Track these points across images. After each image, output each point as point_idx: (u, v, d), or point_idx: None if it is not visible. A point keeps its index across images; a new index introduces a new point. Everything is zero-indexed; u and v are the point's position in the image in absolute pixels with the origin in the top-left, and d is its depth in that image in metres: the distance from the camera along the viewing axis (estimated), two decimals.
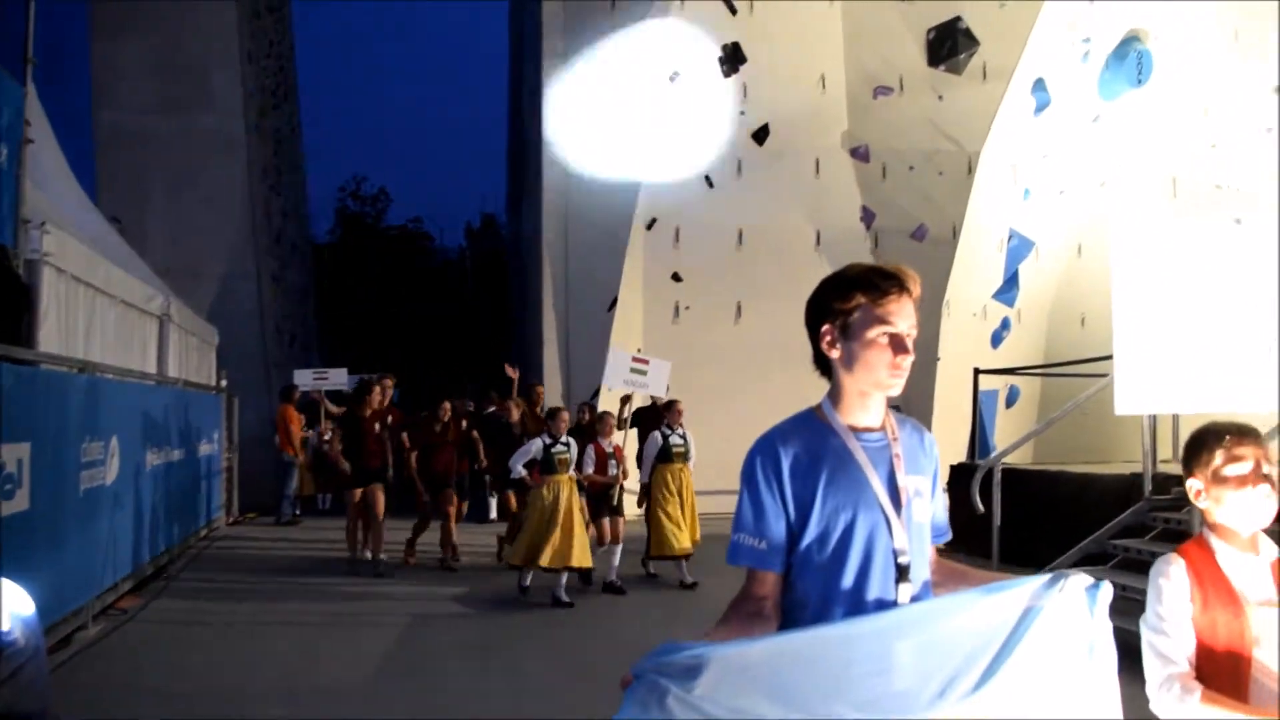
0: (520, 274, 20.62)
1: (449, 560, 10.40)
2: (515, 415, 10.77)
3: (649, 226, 14.69)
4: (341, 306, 31.15)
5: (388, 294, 33.68)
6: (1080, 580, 2.03)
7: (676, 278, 14.79)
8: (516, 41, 22.70)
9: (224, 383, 14.20)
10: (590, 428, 9.98)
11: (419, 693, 6.04)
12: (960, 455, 12.22)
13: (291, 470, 14.46)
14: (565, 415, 9.23)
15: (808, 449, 2.12)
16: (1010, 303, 15.12)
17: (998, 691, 1.93)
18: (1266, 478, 2.30)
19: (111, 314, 8.89)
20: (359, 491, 10.08)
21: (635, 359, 10.42)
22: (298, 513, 14.63)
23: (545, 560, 8.43)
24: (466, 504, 11.79)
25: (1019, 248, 14.94)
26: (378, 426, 10.21)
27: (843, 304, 2.13)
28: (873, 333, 2.11)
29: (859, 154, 14.78)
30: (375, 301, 33.05)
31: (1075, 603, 2.02)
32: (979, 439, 12.48)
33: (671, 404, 10.04)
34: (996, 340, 14.98)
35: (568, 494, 8.70)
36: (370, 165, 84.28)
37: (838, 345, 2.15)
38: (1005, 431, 14.36)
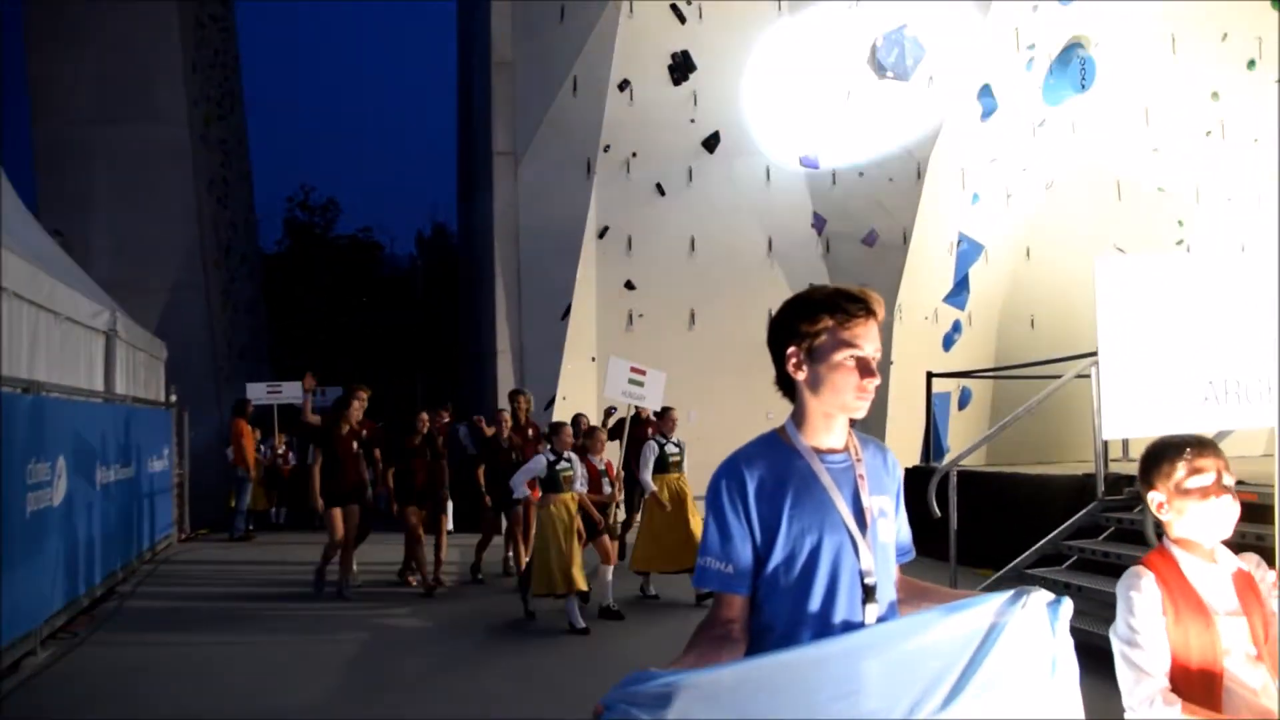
0: (472, 283, 20.53)
1: (407, 577, 10.09)
2: (506, 429, 10.28)
3: (601, 235, 14.69)
4: (292, 318, 30.80)
5: (338, 304, 33.37)
6: (1042, 597, 2.06)
7: (629, 286, 14.80)
8: (465, 50, 22.60)
9: (173, 398, 13.98)
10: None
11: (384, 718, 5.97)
12: (914, 458, 12.33)
13: (245, 485, 14.28)
14: (569, 430, 8.75)
15: (772, 472, 2.13)
16: (961, 306, 15.30)
17: (964, 709, 1.95)
18: (1227, 489, 2.34)
19: (56, 331, 8.72)
20: (339, 512, 9.34)
21: (634, 369, 9.86)
22: (251, 528, 14.44)
23: (563, 587, 7.99)
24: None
25: (968, 251, 15.13)
26: (355, 445, 9.56)
27: (809, 326, 2.13)
28: (839, 356, 2.12)
29: (809, 160, 14.88)
30: (326, 312, 32.71)
31: (1037, 619, 2.05)
32: (932, 441, 12.60)
33: (666, 411, 9.64)
34: (948, 343, 15.15)
35: (573, 514, 8.26)
36: (319, 175, 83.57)
37: (804, 367, 2.15)
38: (958, 433, 14.53)
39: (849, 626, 2.07)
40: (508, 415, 10.51)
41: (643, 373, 9.81)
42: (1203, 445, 2.36)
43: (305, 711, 5.99)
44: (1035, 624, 2.04)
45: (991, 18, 13.60)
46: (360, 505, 9.61)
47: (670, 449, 9.42)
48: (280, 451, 16.02)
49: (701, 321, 14.77)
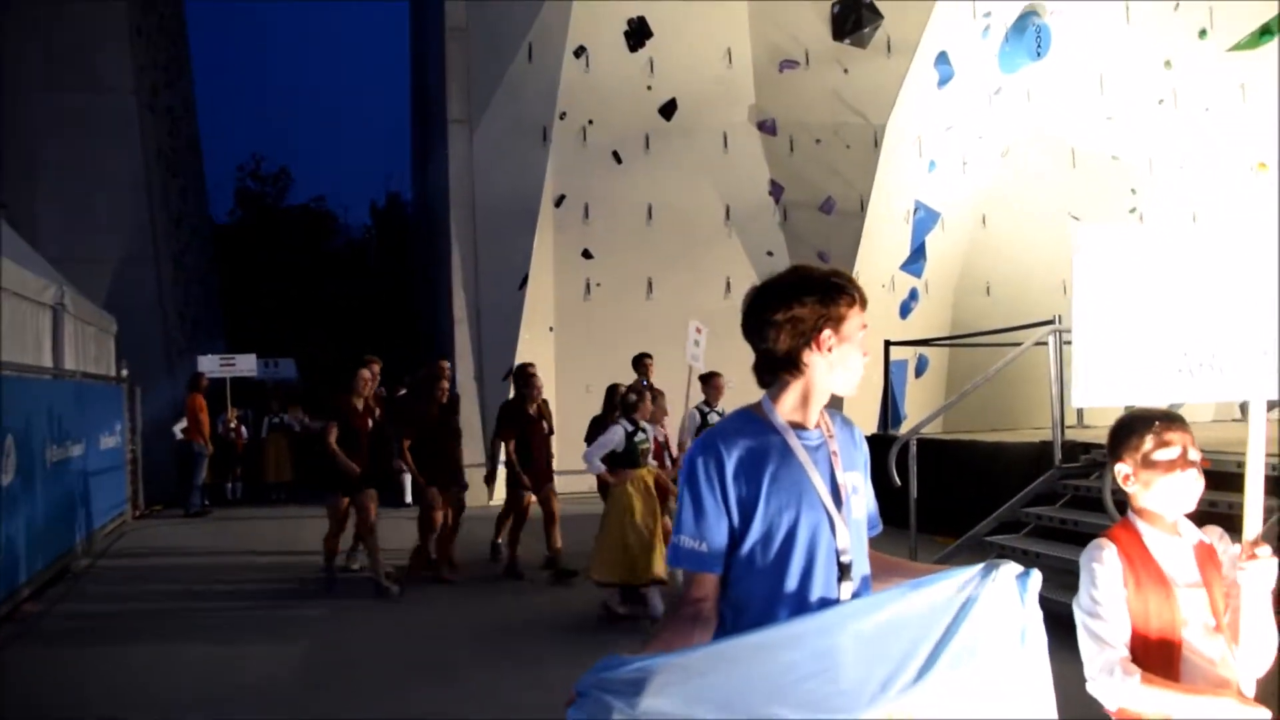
0: (427, 252, 20.37)
1: (445, 572, 9.02)
2: (536, 399, 9.22)
3: (558, 203, 14.59)
4: (245, 289, 30.43)
5: (292, 275, 32.95)
6: (1011, 569, 2.09)
7: (587, 254, 14.72)
8: (418, 16, 22.30)
9: (125, 372, 13.74)
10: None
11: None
12: (871, 426, 12.42)
13: (201, 460, 14.08)
14: (649, 397, 7.82)
15: (750, 449, 2.12)
16: (918, 274, 15.39)
17: (937, 682, 1.97)
18: (1193, 463, 2.36)
19: (2, 307, 8.52)
20: (346, 499, 8.48)
21: (697, 328, 8.91)
22: (206, 503, 14.28)
23: (651, 573, 7.07)
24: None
25: (925, 219, 15.20)
26: (370, 422, 8.67)
27: (836, 309, 2.15)
28: (860, 336, 2.18)
29: (766, 128, 14.85)
30: (280, 283, 32.31)
31: (1007, 591, 2.07)
32: (890, 410, 12.69)
33: (711, 376, 8.70)
34: (905, 311, 15.24)
35: (653, 491, 7.47)
36: (270, 143, 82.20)
37: (834, 349, 2.15)
38: (915, 401, 14.64)
39: (825, 604, 2.08)
40: (540, 382, 9.42)
41: (700, 331, 8.96)
42: (1171, 419, 2.39)
43: (270, 693, 5.91)
44: (1005, 596, 2.06)
45: None
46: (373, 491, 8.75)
47: (714, 419, 8.43)
48: (233, 425, 15.82)
49: (659, 289, 14.73)
